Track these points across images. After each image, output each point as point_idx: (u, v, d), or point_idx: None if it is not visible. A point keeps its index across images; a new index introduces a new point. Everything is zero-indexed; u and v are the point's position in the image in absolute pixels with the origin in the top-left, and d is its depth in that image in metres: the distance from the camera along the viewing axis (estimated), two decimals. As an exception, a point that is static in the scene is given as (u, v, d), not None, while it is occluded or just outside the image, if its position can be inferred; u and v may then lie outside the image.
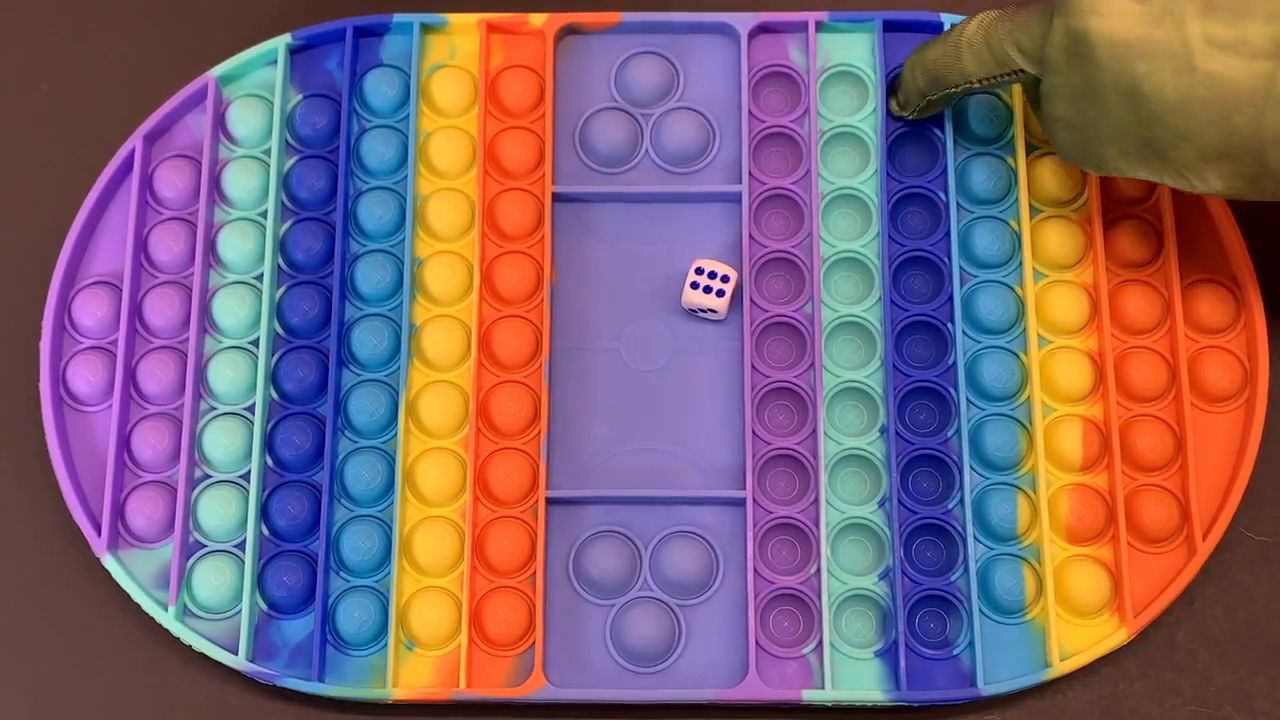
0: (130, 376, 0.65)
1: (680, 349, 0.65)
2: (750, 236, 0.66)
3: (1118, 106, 0.56)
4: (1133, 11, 0.54)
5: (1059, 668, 0.61)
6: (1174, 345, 0.64)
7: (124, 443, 0.64)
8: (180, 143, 0.68)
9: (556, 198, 0.66)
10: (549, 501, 0.63)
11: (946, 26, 0.67)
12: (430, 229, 0.66)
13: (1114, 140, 0.57)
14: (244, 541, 0.63)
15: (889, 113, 0.66)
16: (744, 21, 0.68)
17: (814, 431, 0.64)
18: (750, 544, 0.62)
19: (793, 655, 0.62)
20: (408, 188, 0.66)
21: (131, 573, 0.62)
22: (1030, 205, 0.66)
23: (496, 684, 0.61)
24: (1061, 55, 0.56)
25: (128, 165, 0.67)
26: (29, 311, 0.66)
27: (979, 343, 0.64)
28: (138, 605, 0.62)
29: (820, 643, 0.61)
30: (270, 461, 0.64)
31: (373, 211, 0.66)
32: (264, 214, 0.66)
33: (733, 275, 0.65)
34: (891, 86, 0.66)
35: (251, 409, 0.64)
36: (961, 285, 0.65)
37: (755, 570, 0.62)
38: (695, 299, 0.64)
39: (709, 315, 0.65)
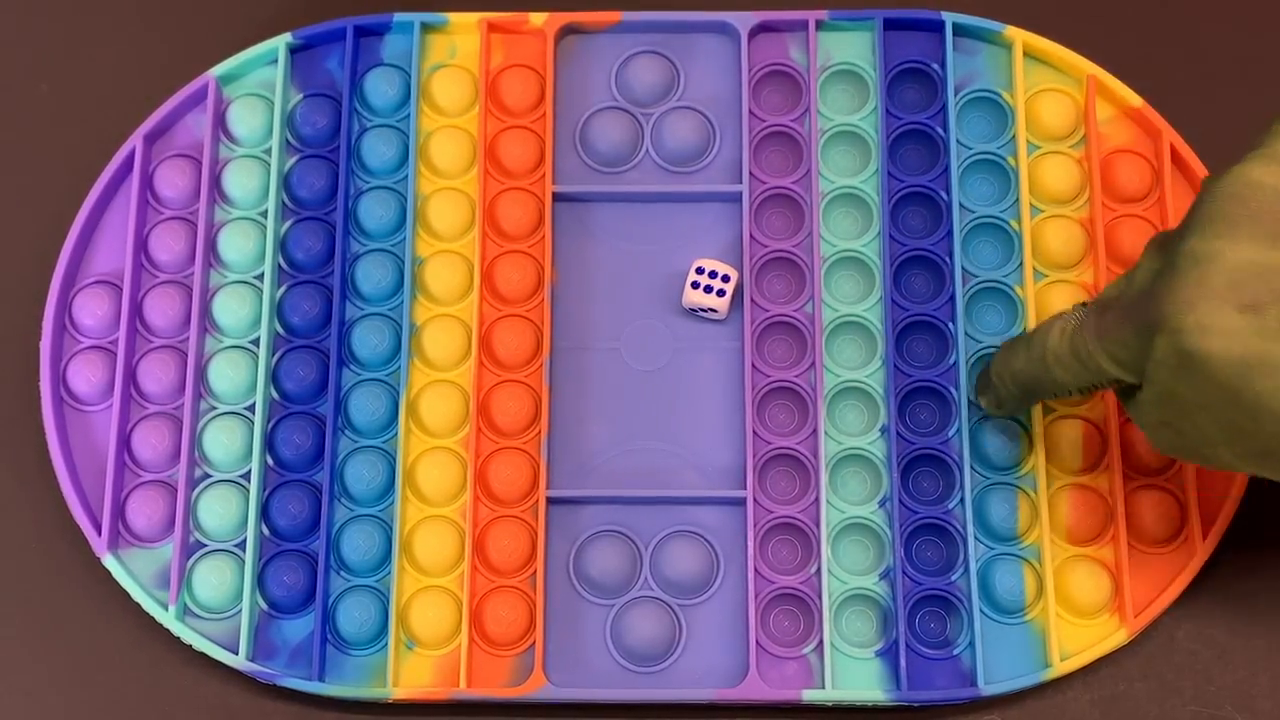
0: (130, 376, 0.65)
1: (680, 349, 0.65)
2: (751, 236, 0.66)
3: (1234, 417, 0.50)
4: (1246, 326, 0.48)
5: (1059, 668, 0.61)
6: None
7: (124, 442, 0.64)
8: (180, 142, 0.68)
9: (557, 197, 0.66)
10: (549, 501, 0.63)
11: (948, 26, 0.67)
12: (431, 228, 0.66)
13: (1230, 444, 0.51)
14: (244, 541, 0.63)
15: (981, 409, 0.63)
16: (744, 20, 0.68)
17: (814, 431, 0.64)
18: (750, 544, 0.62)
19: (793, 655, 0.62)
20: (408, 187, 0.66)
21: (132, 572, 0.62)
22: (1030, 205, 0.66)
23: (497, 684, 0.61)
24: (1168, 373, 0.50)
25: (128, 165, 0.67)
26: (29, 311, 0.66)
27: (979, 343, 0.64)
28: (138, 605, 0.62)
29: (820, 643, 0.61)
30: (270, 461, 0.64)
31: (373, 211, 0.66)
32: (264, 213, 0.66)
33: (733, 275, 0.65)
34: (979, 386, 0.62)
35: (252, 408, 0.64)
36: (962, 285, 0.65)
37: (755, 570, 0.62)
38: (696, 299, 0.64)
39: (709, 315, 0.65)
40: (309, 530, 0.63)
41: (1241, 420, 0.50)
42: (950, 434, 0.64)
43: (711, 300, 0.64)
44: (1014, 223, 0.66)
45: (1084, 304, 0.56)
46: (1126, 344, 0.52)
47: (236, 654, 0.61)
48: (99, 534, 0.63)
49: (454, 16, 0.68)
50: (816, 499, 0.63)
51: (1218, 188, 0.50)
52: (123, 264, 0.66)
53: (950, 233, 0.65)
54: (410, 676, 0.61)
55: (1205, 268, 0.49)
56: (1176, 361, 0.50)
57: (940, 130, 0.67)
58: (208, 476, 0.64)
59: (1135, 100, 0.67)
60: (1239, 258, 0.49)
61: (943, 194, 0.66)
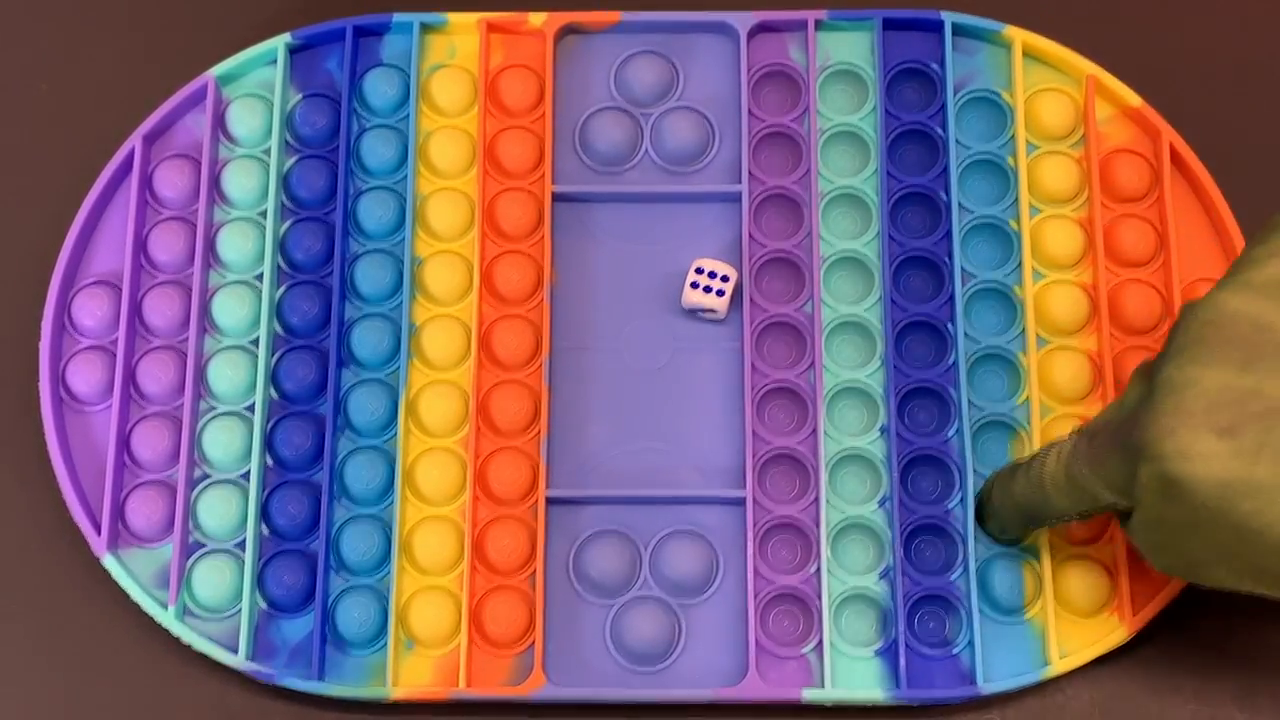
0: (130, 376, 0.65)
1: (680, 349, 0.65)
2: (750, 236, 0.66)
3: (1223, 539, 0.50)
4: (1224, 450, 0.49)
5: (1059, 666, 0.61)
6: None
7: (124, 442, 0.64)
8: (180, 142, 0.68)
9: (556, 197, 0.66)
10: (549, 501, 0.63)
11: (947, 26, 0.67)
12: (430, 229, 0.66)
13: (1223, 563, 0.52)
14: (244, 541, 0.63)
15: (988, 534, 0.62)
16: (744, 20, 0.68)
17: (814, 431, 0.64)
18: (750, 544, 0.62)
19: (793, 655, 0.62)
20: (408, 187, 0.66)
21: (131, 572, 0.62)
22: (1029, 205, 0.66)
23: (496, 683, 0.61)
24: (1154, 497, 0.51)
25: (128, 165, 0.67)
26: (29, 311, 0.66)
27: (979, 343, 0.64)
28: (138, 605, 0.62)
29: (820, 642, 0.61)
30: (270, 461, 0.64)
31: (373, 211, 0.66)
32: (264, 214, 0.66)
33: (733, 275, 0.65)
34: (980, 513, 0.62)
35: (251, 408, 0.64)
36: (962, 285, 0.65)
37: (755, 570, 0.62)
38: (695, 299, 0.64)
39: (709, 315, 0.65)
40: (309, 530, 0.63)
41: (1231, 541, 0.50)
42: (950, 434, 0.64)
43: (711, 300, 0.64)
44: (1013, 223, 0.66)
45: (1079, 428, 0.56)
46: (1116, 470, 0.52)
47: (236, 654, 0.61)
48: (99, 534, 0.63)
49: (453, 17, 0.68)
50: (816, 499, 0.63)
51: (1194, 315, 0.51)
52: (122, 264, 0.66)
53: (949, 233, 0.65)
54: (410, 676, 0.61)
55: (1182, 394, 0.50)
56: (1160, 487, 0.50)
57: (939, 130, 0.67)
58: (207, 476, 0.64)
59: (1134, 100, 0.67)
60: (1214, 383, 0.49)
61: (942, 194, 0.66)
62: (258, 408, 0.64)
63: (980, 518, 0.62)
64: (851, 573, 0.62)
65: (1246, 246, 0.53)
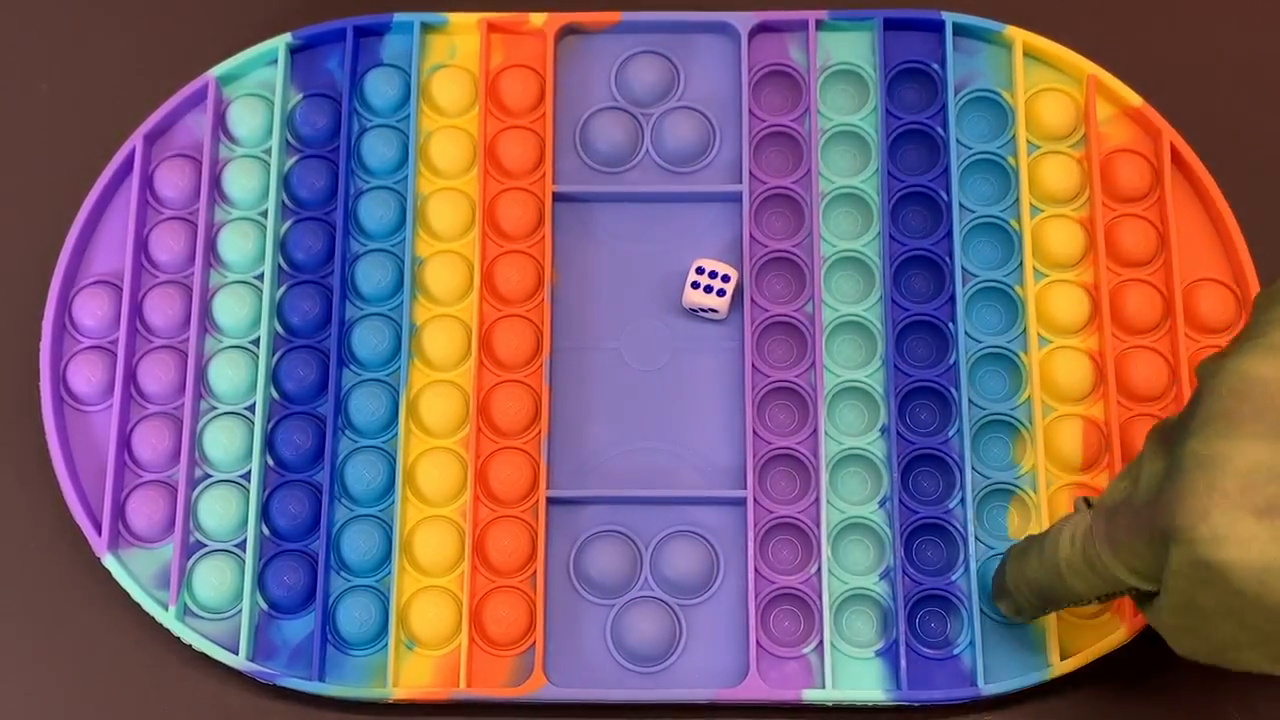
0: (130, 376, 0.65)
1: (680, 349, 0.65)
2: (751, 236, 0.66)
3: (1260, 624, 0.47)
4: (1264, 533, 0.46)
5: (1059, 667, 0.61)
6: (1174, 345, 0.64)
7: (124, 442, 0.64)
8: (180, 142, 0.68)
9: (557, 197, 0.66)
10: (549, 501, 0.63)
11: (948, 26, 0.67)
12: (430, 228, 0.66)
13: (1256, 647, 0.49)
14: (244, 541, 0.63)
15: (1002, 616, 0.60)
16: (744, 20, 0.68)
17: (814, 431, 0.64)
18: (750, 544, 0.62)
19: (793, 655, 0.62)
20: (408, 187, 0.66)
21: (132, 572, 0.62)
22: (1030, 205, 0.66)
23: (497, 684, 0.61)
24: (1186, 583, 0.48)
25: (128, 165, 0.67)
26: (29, 311, 0.66)
27: (979, 343, 0.64)
28: (138, 605, 0.62)
29: (821, 642, 0.61)
30: (270, 461, 0.64)
31: (373, 211, 0.66)
32: (264, 214, 0.66)
33: (733, 275, 0.65)
34: (995, 591, 0.58)
35: (252, 409, 0.64)
36: (962, 285, 0.65)
37: (755, 570, 0.62)
38: (696, 299, 0.64)
39: (709, 315, 0.65)
40: (309, 530, 0.63)
41: (1268, 626, 0.47)
42: (950, 434, 0.64)
43: (711, 300, 0.64)
44: (1014, 222, 0.66)
45: (1087, 500, 0.54)
46: (1140, 554, 0.49)
47: (236, 654, 0.61)
48: (99, 534, 0.62)
49: (454, 17, 0.68)
50: (816, 499, 0.63)
51: (1216, 383, 0.48)
52: (123, 264, 0.66)
53: (950, 232, 0.65)
54: (410, 676, 0.61)
55: (1213, 472, 0.47)
56: (1194, 572, 0.47)
57: (940, 130, 0.67)
58: (208, 476, 0.64)
59: (1135, 100, 0.67)
60: (1248, 459, 0.46)
61: (943, 194, 0.66)
62: (258, 408, 0.64)
63: (994, 595, 0.59)
64: (852, 573, 0.62)
65: (1257, 310, 0.49)
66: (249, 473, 0.63)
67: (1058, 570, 0.53)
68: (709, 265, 0.65)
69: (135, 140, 0.67)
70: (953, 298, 0.65)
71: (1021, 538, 0.58)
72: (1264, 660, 0.49)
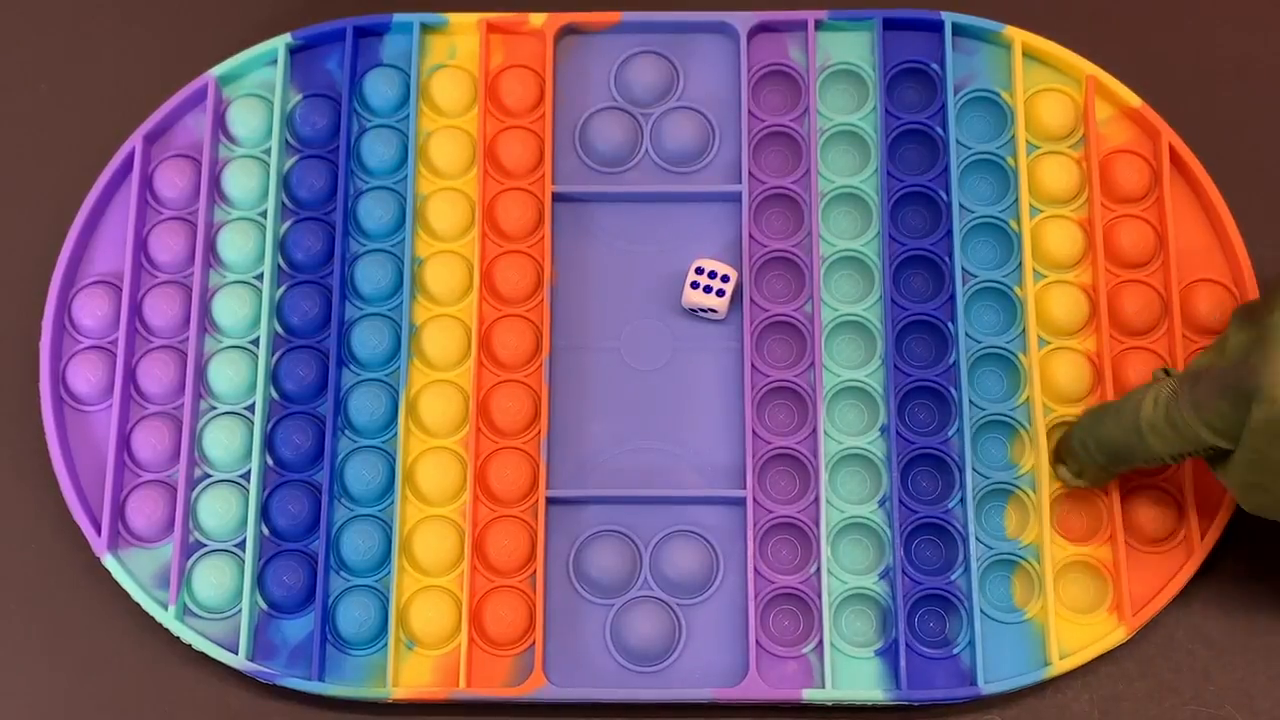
0: (130, 376, 0.65)
1: (680, 349, 0.65)
2: (750, 236, 0.66)
3: None
4: None
5: (1058, 666, 0.61)
6: (1172, 346, 0.64)
7: (124, 442, 0.64)
8: (180, 142, 0.68)
9: (556, 197, 0.66)
10: (549, 501, 0.63)
11: (947, 26, 0.67)
12: (430, 229, 0.66)
13: None
14: (244, 541, 0.63)
15: (1062, 476, 0.62)
16: (744, 20, 0.68)
17: (814, 431, 0.64)
18: (750, 543, 0.62)
19: (793, 655, 0.62)
20: (408, 187, 0.66)
21: (131, 572, 0.62)
22: (1030, 205, 0.66)
23: (496, 683, 0.61)
24: (1264, 440, 0.52)
25: (128, 165, 0.67)
26: (29, 311, 0.66)
27: (979, 343, 0.64)
28: (138, 605, 0.62)
29: (820, 642, 0.61)
30: (270, 461, 0.64)
31: (373, 211, 0.66)
32: (264, 214, 0.66)
33: (733, 275, 0.65)
34: (1057, 455, 0.62)
35: (251, 408, 0.64)
36: (962, 285, 0.65)
37: (755, 570, 0.62)
38: (695, 299, 0.64)
39: (709, 315, 0.65)
40: (309, 530, 0.63)
41: None
42: (950, 434, 0.64)
43: (711, 300, 0.64)
44: (1013, 223, 0.66)
45: (1166, 370, 0.57)
46: (1222, 413, 0.53)
47: (236, 654, 0.61)
48: (99, 534, 0.63)
49: (453, 17, 0.68)
50: (816, 499, 0.63)
51: None
52: (122, 264, 0.66)
53: (950, 233, 0.65)
54: (410, 676, 0.61)
55: None
56: (1271, 429, 0.51)
57: (940, 130, 0.67)
58: (207, 476, 0.64)
59: (1134, 100, 0.67)
60: None
61: (942, 194, 0.66)
62: (258, 408, 0.64)
63: (1056, 457, 0.62)
64: (851, 573, 0.62)
65: None
66: (249, 473, 0.63)
67: (1137, 431, 0.56)
68: (709, 265, 0.65)
69: (135, 140, 0.67)
70: (952, 298, 0.65)
71: (1091, 409, 0.61)
72: None
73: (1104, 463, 0.60)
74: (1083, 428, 0.60)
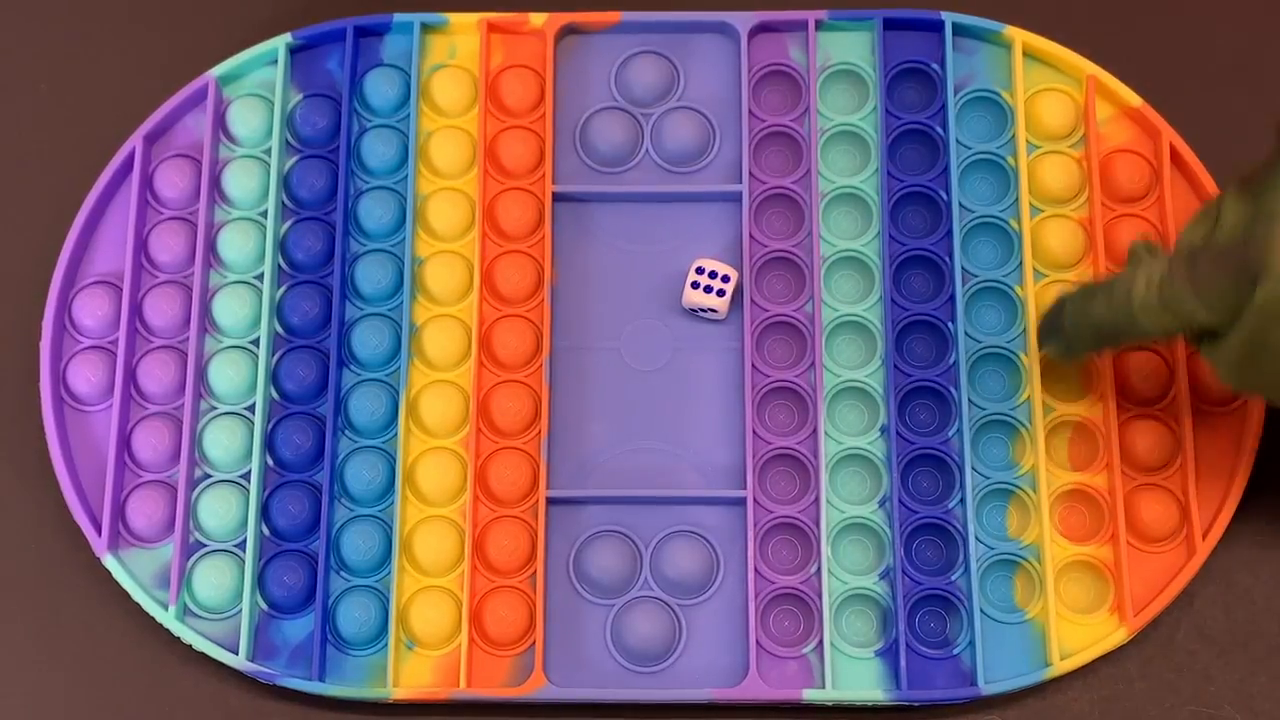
0: (130, 376, 0.65)
1: (680, 349, 0.65)
2: (750, 236, 0.66)
3: None
4: None
5: (1059, 667, 0.61)
6: (1174, 345, 0.64)
7: (124, 442, 0.64)
8: (180, 142, 0.68)
9: (557, 197, 0.66)
10: (549, 501, 0.63)
11: (947, 25, 0.67)
12: (430, 229, 0.66)
13: None
14: (244, 541, 0.63)
15: (1048, 352, 0.63)
16: (744, 20, 0.68)
17: (814, 431, 0.64)
18: (750, 544, 0.62)
19: (793, 655, 0.62)
20: (408, 187, 0.66)
21: (132, 572, 0.62)
22: (1030, 205, 0.66)
23: (497, 684, 0.61)
24: (1265, 319, 0.51)
25: (128, 165, 0.67)
26: (29, 311, 0.66)
27: (979, 343, 0.64)
28: (138, 605, 0.62)
29: (820, 642, 0.61)
30: (270, 461, 0.64)
31: (373, 211, 0.66)
32: (264, 214, 0.66)
33: (733, 275, 0.65)
34: (1044, 331, 0.62)
35: (252, 409, 0.64)
36: (962, 285, 0.65)
37: (755, 570, 0.62)
38: (696, 299, 0.64)
39: (709, 315, 0.65)
40: (309, 530, 0.63)
41: None
42: (950, 434, 0.64)
43: (711, 300, 0.64)
44: (1014, 223, 0.66)
45: (1148, 246, 0.57)
46: (1222, 292, 0.52)
47: (236, 654, 0.61)
48: (99, 534, 0.63)
49: (454, 17, 0.68)
50: (816, 499, 0.63)
51: None
52: (123, 264, 0.66)
53: (950, 233, 0.65)
54: (410, 676, 0.61)
55: None
56: (1275, 308, 0.50)
57: (940, 130, 0.67)
58: (208, 476, 0.64)
59: (1135, 100, 0.67)
60: None
61: (942, 194, 0.66)
62: (258, 408, 0.64)
63: (1042, 337, 0.62)
64: (852, 573, 0.62)
65: None
66: (249, 473, 0.63)
67: (1129, 311, 0.56)
68: (709, 265, 0.65)
69: (135, 140, 0.67)
70: (952, 298, 0.65)
71: (1078, 288, 0.61)
72: None
73: (1092, 341, 0.60)
74: (1075, 307, 0.59)
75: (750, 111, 0.67)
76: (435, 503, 0.63)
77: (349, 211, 0.66)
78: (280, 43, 0.68)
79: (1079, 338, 0.60)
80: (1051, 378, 0.63)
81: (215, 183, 0.67)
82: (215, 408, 0.64)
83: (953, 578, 0.62)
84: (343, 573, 0.63)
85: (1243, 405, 0.64)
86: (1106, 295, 0.57)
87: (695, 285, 0.65)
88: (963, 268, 0.65)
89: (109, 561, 0.62)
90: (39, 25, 0.71)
